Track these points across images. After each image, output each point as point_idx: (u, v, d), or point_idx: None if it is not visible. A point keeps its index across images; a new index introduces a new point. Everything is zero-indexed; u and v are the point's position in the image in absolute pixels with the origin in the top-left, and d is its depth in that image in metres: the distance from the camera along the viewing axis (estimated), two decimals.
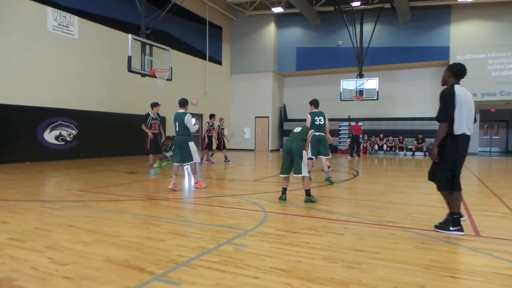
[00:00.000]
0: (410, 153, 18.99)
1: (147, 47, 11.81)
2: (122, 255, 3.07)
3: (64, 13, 12.97)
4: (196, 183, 6.98)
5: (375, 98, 17.92)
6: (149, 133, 9.10)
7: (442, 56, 18.71)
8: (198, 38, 20.28)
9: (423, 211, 5.04)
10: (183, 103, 6.96)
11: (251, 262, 2.95)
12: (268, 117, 22.30)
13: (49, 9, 12.48)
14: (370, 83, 17.92)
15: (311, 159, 7.89)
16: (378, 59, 19.71)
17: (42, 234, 3.70)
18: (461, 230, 3.81)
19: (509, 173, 10.99)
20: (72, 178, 8.39)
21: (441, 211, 5.13)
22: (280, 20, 22.39)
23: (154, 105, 9.42)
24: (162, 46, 12.41)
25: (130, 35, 11.07)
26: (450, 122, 3.69)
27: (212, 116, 12.95)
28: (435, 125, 19.25)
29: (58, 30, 12.80)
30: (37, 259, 2.97)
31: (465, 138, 3.72)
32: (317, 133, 7.68)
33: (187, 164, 6.88)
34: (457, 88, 3.71)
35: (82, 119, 13.51)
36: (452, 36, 18.58)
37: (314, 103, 8.20)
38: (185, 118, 6.72)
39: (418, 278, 2.65)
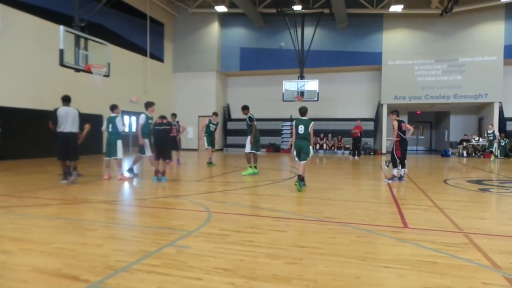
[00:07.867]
0: (348, 151, 20.02)
1: (82, 40, 11.11)
2: (53, 264, 2.85)
3: None
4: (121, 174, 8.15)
5: (316, 99, 18.61)
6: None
7: (375, 61, 20.01)
8: (139, 33, 19.45)
9: (360, 207, 5.35)
10: (115, 107, 8.23)
11: (194, 263, 2.90)
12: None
13: None
14: (311, 85, 18.58)
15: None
16: (318, 62, 20.51)
17: None
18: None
19: (433, 170, 12.10)
20: None
21: (377, 206, 5.50)
22: (224, 19, 22.32)
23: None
24: (99, 40, 11.75)
25: (61, 26, 10.32)
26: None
27: (174, 115, 12.20)
28: (370, 126, 20.56)
29: None
30: None
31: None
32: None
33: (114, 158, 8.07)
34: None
35: (7, 117, 12.25)
36: (384, 43, 19.95)
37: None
38: (116, 120, 8.01)
39: (355, 270, 2.80)
